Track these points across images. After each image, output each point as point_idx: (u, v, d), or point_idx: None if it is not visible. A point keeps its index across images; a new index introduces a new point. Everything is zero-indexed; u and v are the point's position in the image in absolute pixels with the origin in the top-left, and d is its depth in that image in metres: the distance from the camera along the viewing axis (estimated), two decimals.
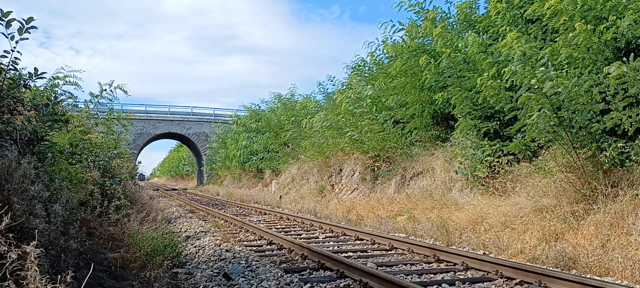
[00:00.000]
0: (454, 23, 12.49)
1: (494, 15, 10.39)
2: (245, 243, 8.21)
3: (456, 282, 5.16)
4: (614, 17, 7.22)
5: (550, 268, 5.57)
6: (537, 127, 7.43)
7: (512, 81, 7.92)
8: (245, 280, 5.29)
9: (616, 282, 4.98)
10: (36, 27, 4.17)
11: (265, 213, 13.87)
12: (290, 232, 9.61)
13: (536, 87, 7.13)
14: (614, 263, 5.37)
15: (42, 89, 6.01)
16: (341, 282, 5.21)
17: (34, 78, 4.85)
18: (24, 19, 4.14)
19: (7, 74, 4.38)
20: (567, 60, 7.71)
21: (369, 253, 7.04)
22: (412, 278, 5.42)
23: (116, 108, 16.38)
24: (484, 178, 9.83)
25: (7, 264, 2.20)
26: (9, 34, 4.17)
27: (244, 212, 14.79)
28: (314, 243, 7.81)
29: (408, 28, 12.97)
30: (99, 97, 8.07)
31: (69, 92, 6.75)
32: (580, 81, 6.99)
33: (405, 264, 6.22)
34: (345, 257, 6.30)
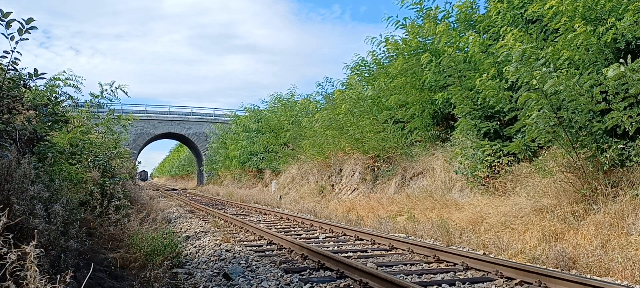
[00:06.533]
0: (454, 22, 12.50)
1: (495, 15, 10.39)
2: (245, 243, 8.21)
3: (456, 282, 5.15)
4: (613, 19, 7.22)
5: (550, 269, 5.57)
6: (537, 127, 7.42)
7: (512, 81, 7.90)
8: (245, 280, 5.29)
9: (616, 282, 4.97)
10: (36, 28, 4.18)
11: (265, 214, 13.87)
12: (290, 232, 9.61)
13: (536, 86, 7.13)
14: (614, 263, 5.37)
15: (42, 89, 6.02)
16: (341, 282, 5.21)
17: (34, 78, 4.86)
18: (24, 20, 4.15)
19: (6, 74, 4.38)
20: (567, 61, 7.70)
21: (369, 254, 7.03)
22: (412, 278, 5.41)
23: (116, 108, 16.39)
24: (484, 178, 9.84)
25: (7, 265, 2.20)
26: (9, 35, 4.18)
27: (244, 212, 14.79)
28: (314, 244, 7.81)
29: (409, 27, 12.97)
30: (100, 98, 8.08)
31: (69, 94, 6.76)
32: (581, 81, 6.98)
33: (405, 264, 6.22)
34: (345, 257, 6.30)
